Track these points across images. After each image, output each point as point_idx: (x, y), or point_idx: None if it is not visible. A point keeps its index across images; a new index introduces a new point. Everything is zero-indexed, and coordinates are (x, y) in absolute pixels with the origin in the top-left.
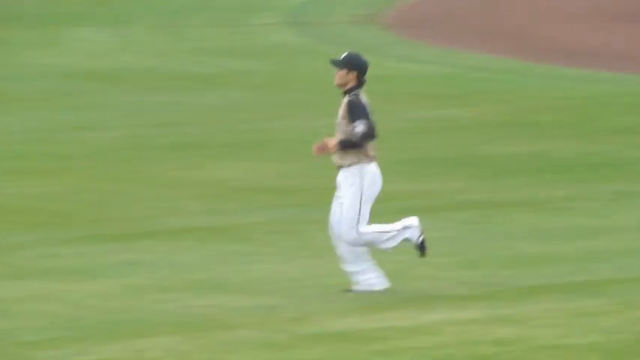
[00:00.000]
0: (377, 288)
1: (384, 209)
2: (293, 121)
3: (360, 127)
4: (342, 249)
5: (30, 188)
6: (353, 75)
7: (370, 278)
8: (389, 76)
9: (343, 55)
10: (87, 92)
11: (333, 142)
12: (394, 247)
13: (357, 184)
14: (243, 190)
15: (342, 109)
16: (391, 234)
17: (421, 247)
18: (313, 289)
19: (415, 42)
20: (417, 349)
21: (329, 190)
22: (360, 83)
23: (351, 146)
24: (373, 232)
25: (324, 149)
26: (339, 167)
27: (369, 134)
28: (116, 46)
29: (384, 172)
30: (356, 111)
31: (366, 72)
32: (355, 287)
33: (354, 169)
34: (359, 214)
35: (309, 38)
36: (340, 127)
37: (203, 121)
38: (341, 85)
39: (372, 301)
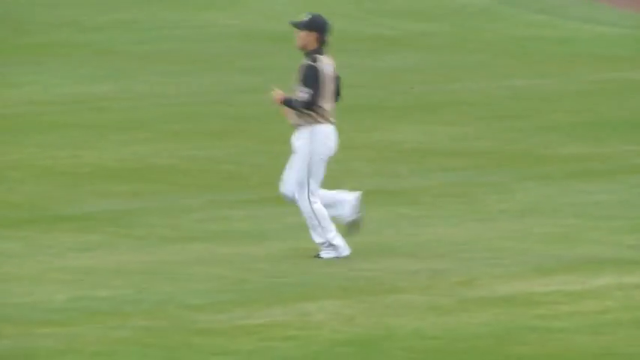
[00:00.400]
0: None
1: (554, 171)
2: (469, 84)
3: (304, 95)
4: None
5: (202, 150)
6: (314, 36)
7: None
8: (570, 37)
9: (305, 17)
10: (265, 54)
11: (282, 95)
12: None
13: (306, 146)
14: (415, 153)
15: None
16: (318, 226)
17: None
18: (482, 253)
19: (597, 3)
20: (582, 313)
21: (500, 153)
22: (321, 45)
23: (291, 108)
24: (314, 212)
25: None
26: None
27: (310, 104)
28: (296, 8)
29: (559, 134)
30: (307, 76)
31: (326, 33)
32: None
33: (305, 130)
34: (308, 176)
35: None
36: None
37: (380, 83)
38: (302, 47)
39: (539, 265)
